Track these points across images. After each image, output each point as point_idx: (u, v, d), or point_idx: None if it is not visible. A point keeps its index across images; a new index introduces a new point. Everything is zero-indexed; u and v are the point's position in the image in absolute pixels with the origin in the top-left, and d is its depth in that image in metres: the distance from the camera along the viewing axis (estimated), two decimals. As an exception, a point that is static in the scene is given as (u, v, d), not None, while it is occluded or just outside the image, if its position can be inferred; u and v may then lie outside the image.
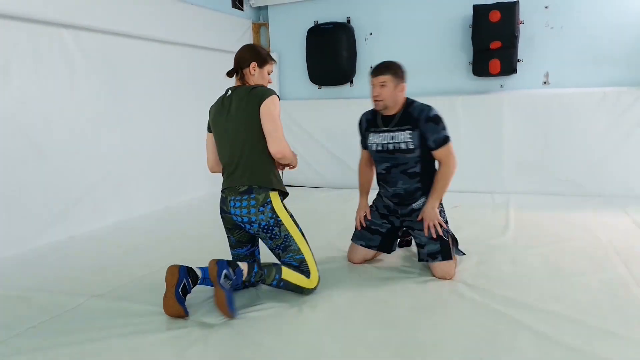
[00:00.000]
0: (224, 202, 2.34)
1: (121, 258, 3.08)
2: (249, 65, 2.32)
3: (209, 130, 2.45)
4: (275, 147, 2.23)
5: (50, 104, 3.43)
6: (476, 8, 4.54)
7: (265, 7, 5.68)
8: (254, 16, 5.71)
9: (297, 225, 2.35)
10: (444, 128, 2.57)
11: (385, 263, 2.83)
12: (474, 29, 4.59)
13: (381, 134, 2.63)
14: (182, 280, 2.14)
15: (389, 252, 2.84)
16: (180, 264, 2.19)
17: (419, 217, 2.62)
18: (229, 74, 2.39)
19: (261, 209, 2.24)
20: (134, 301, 2.37)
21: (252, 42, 2.48)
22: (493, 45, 4.50)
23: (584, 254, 2.87)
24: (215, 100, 2.43)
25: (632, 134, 4.32)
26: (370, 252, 2.79)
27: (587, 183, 4.47)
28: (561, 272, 2.60)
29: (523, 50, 4.63)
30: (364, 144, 2.81)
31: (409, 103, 2.61)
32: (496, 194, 4.63)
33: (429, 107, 2.58)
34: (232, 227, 2.39)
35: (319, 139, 5.29)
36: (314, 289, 2.33)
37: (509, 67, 4.56)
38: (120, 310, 2.27)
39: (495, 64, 4.56)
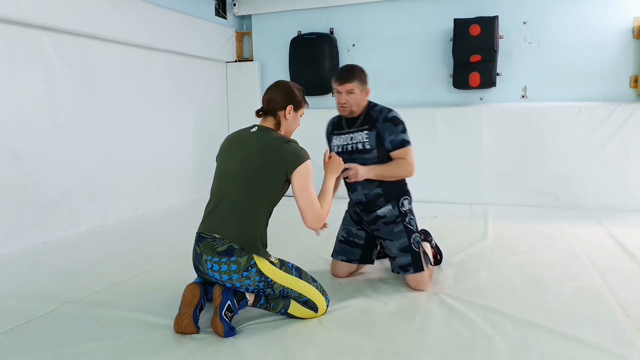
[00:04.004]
0: (198, 259, 2.04)
1: (96, 264, 3.02)
2: (284, 109, 2.13)
3: (216, 160, 2.22)
4: (311, 224, 2.08)
5: (25, 107, 3.37)
6: (457, 22, 4.63)
7: (249, 16, 5.70)
8: (238, 25, 5.73)
9: (292, 271, 2.10)
10: (403, 131, 2.54)
11: (363, 272, 2.83)
12: (455, 42, 4.67)
13: (342, 136, 2.63)
14: (201, 302, 2.07)
15: (372, 263, 2.81)
16: (197, 282, 2.10)
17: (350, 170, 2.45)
18: (259, 113, 2.16)
19: (245, 273, 1.98)
20: (109, 307, 2.32)
21: (283, 82, 2.23)
22: (473, 59, 4.59)
23: (560, 263, 2.91)
24: (232, 130, 2.20)
25: (605, 147, 4.43)
26: (353, 266, 2.76)
27: (563, 195, 4.55)
28: (537, 281, 2.63)
29: (502, 64, 4.73)
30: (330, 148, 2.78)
31: (372, 106, 2.61)
32: (475, 205, 4.68)
33: (389, 109, 2.58)
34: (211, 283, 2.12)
35: (301, 148, 5.30)
36: (323, 314, 2.21)
37: (489, 81, 4.65)
38: (95, 316, 2.23)
39: (475, 77, 4.64)
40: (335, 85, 2.52)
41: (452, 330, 2.06)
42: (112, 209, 4.09)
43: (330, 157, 2.33)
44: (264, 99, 2.17)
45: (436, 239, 3.46)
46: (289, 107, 2.14)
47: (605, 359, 1.81)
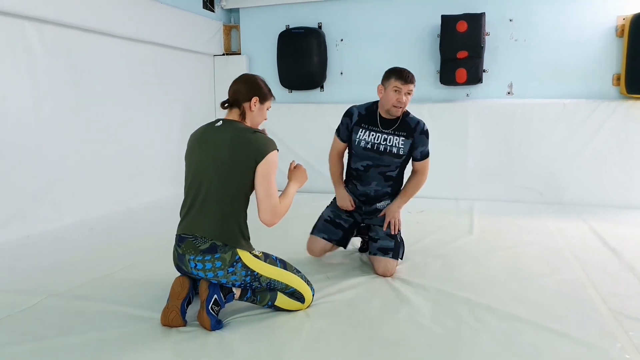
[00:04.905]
0: (180, 260, 2.02)
1: (80, 258, 2.98)
2: (249, 100, 2.08)
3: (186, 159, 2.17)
4: (266, 217, 2.00)
5: (8, 99, 3.30)
6: (444, 18, 4.65)
7: (237, 10, 5.66)
8: (225, 18, 5.68)
9: (277, 263, 2.11)
10: (428, 144, 2.76)
11: (350, 265, 2.85)
12: (442, 38, 4.69)
13: (374, 134, 2.70)
14: (189, 295, 2.06)
15: (345, 247, 2.93)
16: (183, 275, 2.09)
17: (382, 213, 2.75)
18: (224, 105, 2.13)
19: (230, 269, 1.97)
20: (94, 300, 2.30)
21: (249, 75, 2.19)
22: (460, 55, 4.62)
23: (543, 257, 2.96)
24: (198, 126, 2.16)
25: (588, 144, 4.50)
26: (328, 245, 2.84)
27: (547, 191, 4.62)
28: (521, 274, 2.67)
29: (488, 60, 4.77)
30: (346, 136, 2.80)
31: (406, 113, 2.74)
32: (460, 200, 4.72)
33: (423, 121, 2.75)
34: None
35: (288, 142, 5.28)
36: (309, 306, 2.22)
37: (475, 77, 4.68)
38: (79, 309, 2.21)
39: (461, 74, 4.67)
40: (397, 84, 2.57)
41: (437, 322, 2.08)
42: (97, 202, 4.03)
43: (295, 167, 2.29)
44: (229, 91, 2.13)
45: (422, 233, 3.51)
46: (255, 99, 2.09)
47: (587, 351, 1.84)
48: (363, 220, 2.84)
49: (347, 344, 1.91)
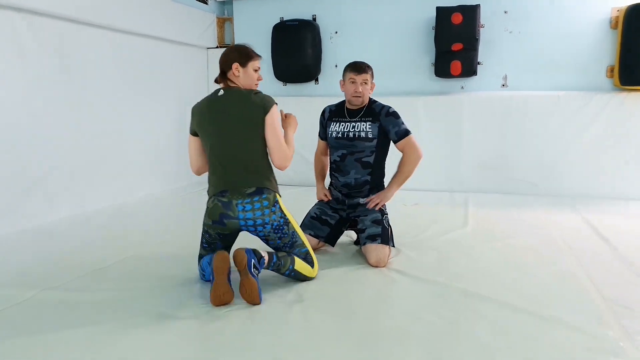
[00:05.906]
0: (227, 207, 2.22)
1: (74, 252, 2.96)
2: (231, 67, 2.28)
3: (193, 133, 2.36)
4: (280, 162, 2.27)
5: (-2, 91, 3.27)
6: (439, 10, 4.64)
7: (230, 2, 5.62)
8: (219, 10, 5.64)
9: (296, 222, 2.40)
10: (403, 123, 2.84)
11: (345, 257, 2.85)
12: (437, 30, 4.68)
13: (343, 123, 2.87)
14: (230, 269, 2.14)
15: (332, 245, 2.97)
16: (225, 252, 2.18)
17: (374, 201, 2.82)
18: (217, 80, 2.34)
19: (273, 209, 2.25)
20: (89, 292, 2.29)
21: (229, 46, 2.44)
22: (455, 47, 4.61)
23: (538, 248, 2.97)
24: (199, 99, 2.35)
25: (582, 136, 4.52)
26: (314, 241, 2.87)
27: (540, 183, 4.64)
28: (516, 265, 2.68)
29: (483, 53, 4.77)
30: (323, 135, 3.02)
31: (372, 101, 2.89)
32: (455, 192, 4.74)
33: (388, 105, 2.87)
34: (230, 233, 2.31)
35: (283, 135, 5.27)
36: (315, 276, 2.43)
37: (470, 69, 4.68)
38: (74, 302, 2.20)
39: (456, 66, 4.67)
40: (351, 75, 2.77)
41: (434, 313, 2.09)
42: (91, 197, 4.01)
43: (286, 116, 2.49)
44: (219, 65, 2.33)
45: (417, 225, 3.52)
46: (235, 65, 2.27)
47: (583, 339, 1.85)
48: (348, 215, 2.90)
49: (343, 335, 1.90)
